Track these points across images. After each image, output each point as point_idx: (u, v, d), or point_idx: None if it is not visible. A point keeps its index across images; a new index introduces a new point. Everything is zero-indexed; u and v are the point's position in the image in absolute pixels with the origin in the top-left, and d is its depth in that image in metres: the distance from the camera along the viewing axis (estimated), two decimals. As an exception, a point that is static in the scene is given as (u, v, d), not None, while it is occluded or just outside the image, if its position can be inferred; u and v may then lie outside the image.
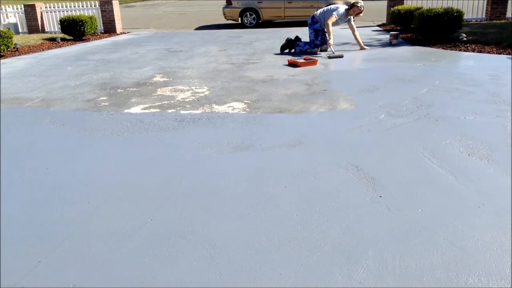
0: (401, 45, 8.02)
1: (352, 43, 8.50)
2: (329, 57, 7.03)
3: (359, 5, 7.26)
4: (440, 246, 1.98)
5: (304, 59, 6.78)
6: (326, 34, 7.52)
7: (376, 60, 6.77)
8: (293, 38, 8.01)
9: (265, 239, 2.09)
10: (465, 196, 2.42)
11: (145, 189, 2.67)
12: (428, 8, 8.72)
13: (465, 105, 4.13)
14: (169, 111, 4.31)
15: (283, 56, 7.44)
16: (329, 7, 7.58)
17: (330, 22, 7.32)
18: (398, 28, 9.97)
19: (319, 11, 7.65)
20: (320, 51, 7.62)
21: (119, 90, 5.33)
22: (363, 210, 2.31)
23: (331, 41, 7.35)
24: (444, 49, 7.41)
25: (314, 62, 6.64)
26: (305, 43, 7.76)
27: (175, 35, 11.27)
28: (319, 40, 7.60)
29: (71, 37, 10.96)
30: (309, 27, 7.62)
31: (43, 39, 10.67)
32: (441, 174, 2.70)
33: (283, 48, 7.95)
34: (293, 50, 7.89)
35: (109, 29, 12.27)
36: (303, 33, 10.42)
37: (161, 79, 5.90)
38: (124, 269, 1.91)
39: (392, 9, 10.53)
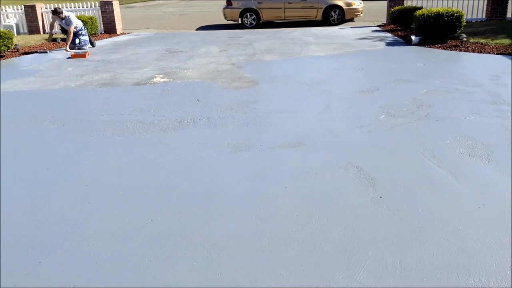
0: (402, 45, 8.02)
1: (351, 43, 8.50)
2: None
3: None
4: (441, 247, 1.98)
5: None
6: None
7: (376, 60, 6.77)
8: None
9: (266, 240, 2.09)
10: (465, 196, 2.42)
11: (145, 189, 2.67)
12: (428, 8, 8.72)
13: (465, 105, 4.13)
14: (170, 111, 4.31)
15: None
16: None
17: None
18: (398, 28, 9.97)
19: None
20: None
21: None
22: (363, 211, 2.31)
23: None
24: (444, 49, 7.41)
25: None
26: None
27: (175, 36, 11.27)
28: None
29: (72, 38, 10.95)
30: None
31: (44, 40, 10.67)
32: (441, 174, 2.69)
33: None
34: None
35: (109, 29, 12.26)
36: (303, 34, 10.41)
37: (161, 80, 5.90)
38: (124, 269, 1.91)
39: (392, 9, 10.52)
